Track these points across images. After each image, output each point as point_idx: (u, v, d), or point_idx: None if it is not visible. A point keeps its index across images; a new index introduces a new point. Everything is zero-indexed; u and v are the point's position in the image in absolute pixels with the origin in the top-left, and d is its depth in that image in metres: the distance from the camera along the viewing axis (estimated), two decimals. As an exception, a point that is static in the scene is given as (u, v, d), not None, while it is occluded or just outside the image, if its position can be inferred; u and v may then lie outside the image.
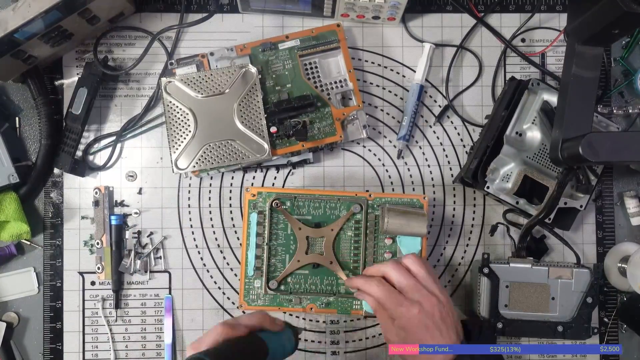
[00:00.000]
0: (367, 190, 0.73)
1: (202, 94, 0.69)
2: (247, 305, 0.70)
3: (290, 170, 0.75)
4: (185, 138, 0.69)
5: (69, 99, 0.72)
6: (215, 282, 0.74)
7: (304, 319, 0.74)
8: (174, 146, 0.69)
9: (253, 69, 0.70)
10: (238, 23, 0.75)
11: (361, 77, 0.75)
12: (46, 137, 0.71)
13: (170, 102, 0.69)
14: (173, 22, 0.74)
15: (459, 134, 0.76)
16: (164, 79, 0.69)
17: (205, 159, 0.69)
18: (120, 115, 0.74)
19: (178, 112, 0.69)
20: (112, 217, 0.73)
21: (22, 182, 0.71)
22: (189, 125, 0.69)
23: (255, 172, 0.74)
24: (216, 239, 0.74)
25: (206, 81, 0.70)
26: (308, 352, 0.74)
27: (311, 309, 0.70)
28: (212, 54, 0.71)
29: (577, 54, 0.62)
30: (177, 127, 0.69)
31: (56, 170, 0.74)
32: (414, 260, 0.63)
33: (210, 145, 0.69)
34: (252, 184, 0.74)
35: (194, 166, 0.69)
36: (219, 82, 0.70)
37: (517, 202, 0.70)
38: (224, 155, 0.69)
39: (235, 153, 0.69)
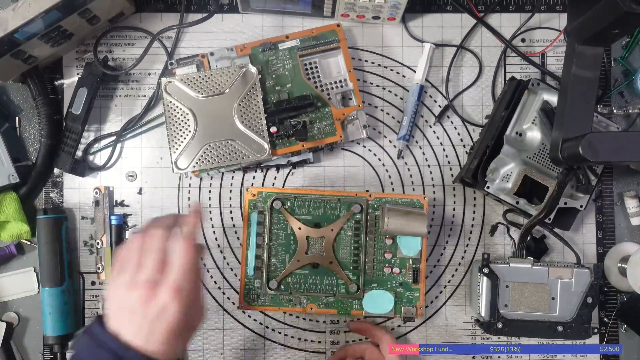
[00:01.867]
0: (367, 190, 0.73)
1: (202, 94, 0.69)
2: (248, 305, 0.70)
3: (290, 170, 0.75)
4: (185, 138, 0.69)
5: (69, 99, 0.72)
6: (215, 282, 0.74)
7: (304, 318, 0.74)
8: (174, 146, 0.69)
9: (253, 69, 0.70)
10: (238, 23, 0.75)
11: (361, 77, 0.75)
12: (46, 137, 0.71)
13: (170, 102, 0.69)
14: (173, 22, 0.74)
15: (459, 134, 0.76)
16: (164, 79, 0.69)
17: (206, 159, 0.69)
18: (120, 115, 0.74)
19: (178, 112, 0.69)
20: (112, 217, 0.73)
21: (22, 182, 0.71)
22: (189, 125, 0.69)
23: (255, 172, 0.74)
24: (216, 239, 0.74)
25: (206, 81, 0.70)
26: (308, 352, 0.74)
27: (311, 308, 0.70)
28: (212, 54, 0.71)
29: (577, 54, 0.62)
30: (177, 127, 0.69)
31: (56, 170, 0.74)
32: None
33: (210, 145, 0.69)
34: (252, 184, 0.74)
35: (194, 166, 0.69)
36: (219, 82, 0.70)
37: (517, 202, 0.70)
38: (224, 155, 0.69)
39: (236, 153, 0.69)
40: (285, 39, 0.72)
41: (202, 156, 0.69)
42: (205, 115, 0.69)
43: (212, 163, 0.69)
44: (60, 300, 0.70)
